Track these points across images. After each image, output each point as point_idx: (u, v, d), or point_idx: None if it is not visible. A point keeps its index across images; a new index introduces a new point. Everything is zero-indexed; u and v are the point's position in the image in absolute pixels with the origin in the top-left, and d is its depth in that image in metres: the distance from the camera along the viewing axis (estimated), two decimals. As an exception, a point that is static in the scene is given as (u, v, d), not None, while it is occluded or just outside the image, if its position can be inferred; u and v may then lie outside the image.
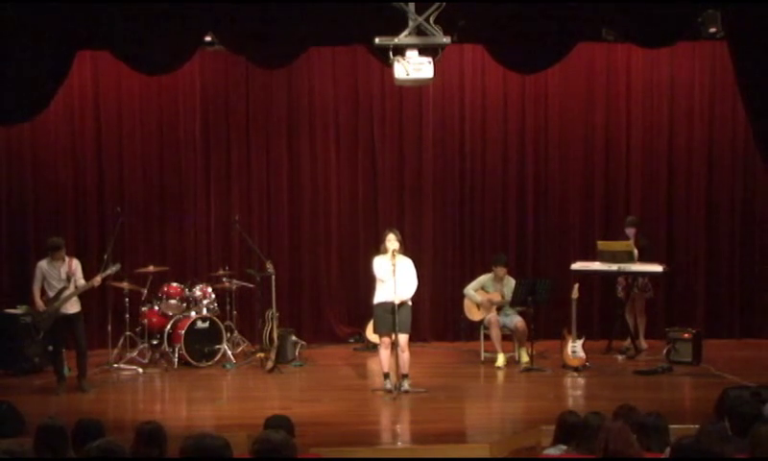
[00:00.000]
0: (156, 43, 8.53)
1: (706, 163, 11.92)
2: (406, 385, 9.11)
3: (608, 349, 10.95)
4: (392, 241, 9.01)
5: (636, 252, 10.59)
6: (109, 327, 10.44)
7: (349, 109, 11.93)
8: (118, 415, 8.71)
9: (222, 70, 11.67)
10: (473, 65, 11.82)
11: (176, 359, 10.40)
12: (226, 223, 11.72)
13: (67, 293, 9.33)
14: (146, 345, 10.59)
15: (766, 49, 8.49)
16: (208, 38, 9.60)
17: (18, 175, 11.53)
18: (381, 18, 8.55)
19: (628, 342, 10.92)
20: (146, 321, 10.59)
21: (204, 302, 10.71)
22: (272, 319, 10.44)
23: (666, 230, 11.98)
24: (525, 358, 10.31)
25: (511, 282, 10.50)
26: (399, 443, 8.02)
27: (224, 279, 10.99)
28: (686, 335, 10.31)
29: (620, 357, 10.73)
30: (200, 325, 10.46)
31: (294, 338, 10.85)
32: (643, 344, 10.99)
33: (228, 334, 10.76)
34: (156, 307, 10.64)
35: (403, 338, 9.06)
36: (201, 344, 10.45)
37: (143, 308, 10.64)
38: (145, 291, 10.68)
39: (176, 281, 10.84)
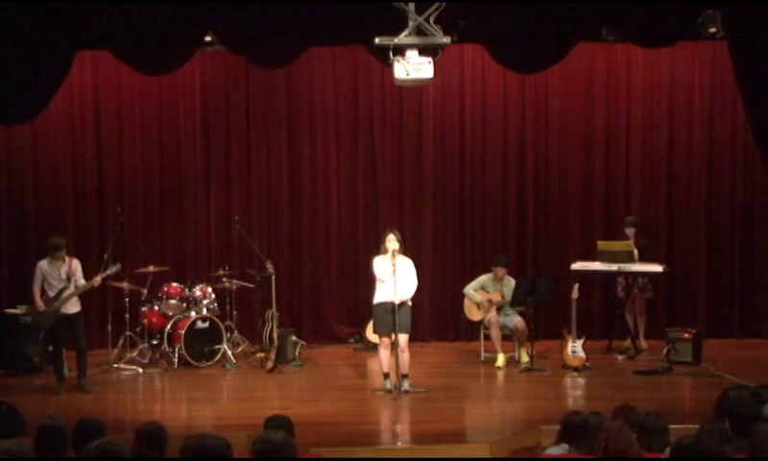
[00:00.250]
0: (156, 43, 8.53)
1: (706, 163, 11.92)
2: (406, 385, 9.11)
3: (608, 349, 10.94)
4: (392, 241, 9.01)
5: (635, 252, 10.59)
6: (109, 327, 10.44)
7: (349, 109, 11.93)
8: (118, 415, 8.71)
9: (222, 70, 11.67)
10: (473, 65, 11.82)
11: (176, 359, 10.39)
12: (226, 223, 11.72)
13: (67, 293, 9.33)
14: (146, 345, 10.59)
15: (766, 49, 8.48)
16: (208, 38, 9.61)
17: (18, 175, 11.53)
18: (381, 18, 8.55)
19: (628, 342, 10.92)
20: (146, 321, 10.59)
21: (204, 302, 10.71)
22: (272, 319, 10.44)
23: (666, 230, 11.98)
24: (525, 358, 10.31)
25: (511, 282, 10.50)
26: (399, 443, 8.02)
27: (224, 279, 10.99)
28: (686, 335, 10.31)
29: (620, 357, 10.72)
30: (200, 325, 10.46)
31: (294, 338, 10.85)
32: (643, 344, 10.99)
33: (228, 334, 10.76)
34: (156, 307, 10.64)
35: (403, 338, 9.06)
36: (201, 344, 10.45)
37: (143, 308, 10.64)
38: (145, 291, 10.68)
39: (176, 281, 10.84)
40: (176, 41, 8.72)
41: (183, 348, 10.29)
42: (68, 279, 9.35)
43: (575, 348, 10.03)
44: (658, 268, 10.49)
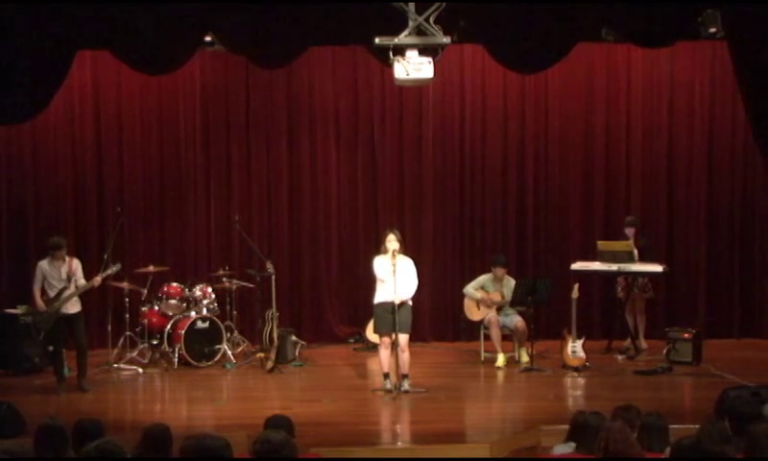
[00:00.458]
0: (156, 43, 8.53)
1: (706, 163, 11.92)
2: (406, 385, 9.11)
3: (608, 349, 10.95)
4: (392, 241, 9.01)
5: (635, 252, 10.59)
6: (109, 327, 10.45)
7: (349, 109, 11.93)
8: (118, 415, 8.72)
9: (222, 70, 11.67)
10: (473, 65, 11.81)
11: (176, 359, 10.39)
12: (226, 223, 11.72)
13: (68, 293, 9.33)
14: (146, 345, 10.59)
15: (766, 49, 8.48)
16: (208, 38, 9.61)
17: (18, 175, 11.53)
18: (381, 18, 8.55)
19: (628, 342, 10.92)
20: (146, 321, 10.59)
21: (204, 302, 10.70)
22: (272, 319, 10.43)
23: (666, 230, 11.98)
24: (525, 358, 10.31)
25: (510, 282, 10.50)
26: (399, 443, 8.02)
27: (224, 279, 10.99)
28: (686, 335, 10.31)
29: (620, 357, 10.72)
30: (200, 325, 10.45)
31: (294, 338, 10.85)
32: (643, 344, 10.99)
33: (228, 334, 10.76)
34: (156, 307, 10.64)
35: (403, 338, 9.06)
36: (201, 344, 10.45)
37: (143, 308, 10.64)
38: (145, 291, 10.68)
39: (176, 281, 10.84)
40: (176, 41, 8.72)
41: (183, 348, 10.29)
42: (68, 279, 9.35)
43: (575, 348, 10.03)
44: (658, 268, 10.49)
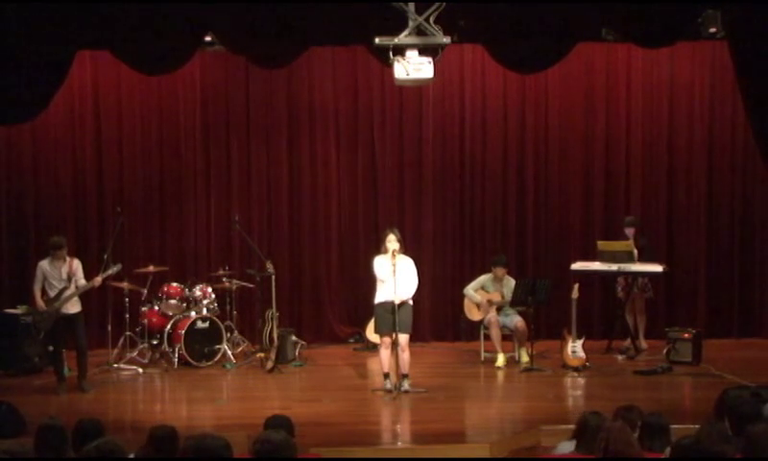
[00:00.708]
0: (156, 43, 8.53)
1: (706, 163, 11.92)
2: (406, 385, 9.11)
3: (608, 349, 10.95)
4: (392, 241, 9.01)
5: (635, 252, 10.59)
6: (109, 327, 10.45)
7: (349, 109, 11.93)
8: (118, 415, 8.72)
9: (222, 70, 11.67)
10: (473, 65, 11.82)
11: (176, 359, 10.40)
12: (226, 223, 11.72)
13: (68, 293, 9.33)
14: (146, 345, 10.59)
15: (766, 49, 8.48)
16: (208, 38, 9.61)
17: (18, 175, 11.53)
18: (381, 18, 8.54)
19: (628, 342, 10.92)
20: (146, 321, 10.59)
21: (204, 302, 10.71)
22: (272, 319, 10.44)
23: (666, 230, 11.98)
24: (525, 358, 10.31)
25: (510, 282, 10.50)
26: (399, 443, 8.02)
27: (224, 279, 10.99)
28: (686, 335, 10.32)
29: (620, 357, 10.73)
30: (200, 325, 10.46)
31: (294, 338, 10.85)
32: (643, 344, 10.99)
33: (228, 334, 10.76)
34: (156, 307, 10.64)
35: (404, 338, 9.06)
36: (201, 344, 10.45)
37: (143, 308, 10.64)
38: (145, 291, 10.68)
39: (176, 281, 10.84)
40: (176, 41, 8.72)
41: (183, 348, 10.29)
42: (69, 279, 9.35)
43: (575, 348, 10.04)
44: (658, 268, 10.49)
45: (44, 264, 9.40)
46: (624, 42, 10.76)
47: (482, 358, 10.59)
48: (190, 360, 10.33)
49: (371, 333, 10.51)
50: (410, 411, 8.73)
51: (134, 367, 10.31)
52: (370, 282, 9.59)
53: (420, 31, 8.48)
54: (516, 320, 10.47)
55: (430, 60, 8.54)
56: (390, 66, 8.62)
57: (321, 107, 11.88)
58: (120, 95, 11.56)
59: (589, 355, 10.13)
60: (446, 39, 8.51)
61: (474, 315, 10.63)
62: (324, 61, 11.69)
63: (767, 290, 11.91)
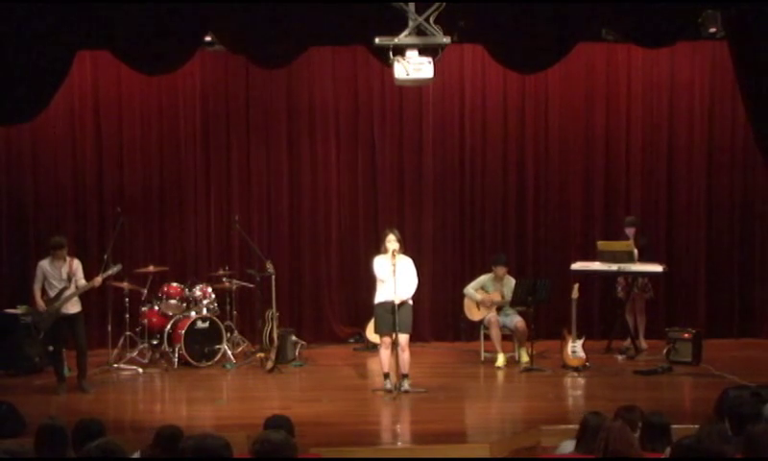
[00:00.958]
0: (156, 43, 8.53)
1: (706, 163, 11.92)
2: (406, 385, 9.11)
3: (608, 349, 10.95)
4: (392, 241, 9.01)
5: (635, 252, 10.59)
6: (109, 327, 10.44)
7: (349, 109, 11.93)
8: (118, 415, 8.72)
9: (222, 70, 11.67)
10: (473, 65, 11.82)
11: (176, 359, 10.39)
12: (226, 223, 11.72)
13: (68, 293, 9.33)
14: (146, 345, 10.59)
15: (766, 49, 8.48)
16: (208, 38, 9.61)
17: (18, 175, 11.53)
18: (381, 18, 8.54)
19: (628, 342, 10.92)
20: (146, 321, 10.59)
21: (204, 302, 10.71)
22: (272, 319, 10.44)
23: (666, 230, 11.98)
24: (525, 358, 10.31)
25: (511, 282, 10.50)
26: (399, 443, 8.02)
27: (224, 279, 10.99)
28: (686, 335, 10.32)
29: (620, 357, 10.72)
30: (200, 325, 10.46)
31: (294, 338, 10.85)
32: (643, 344, 10.99)
33: (228, 334, 10.76)
34: (156, 307, 10.64)
35: (404, 338, 9.06)
36: (201, 344, 10.45)
37: (143, 308, 10.64)
38: (145, 291, 10.68)
39: (176, 281, 10.84)
40: (176, 41, 8.71)
41: (183, 348, 10.29)
42: (69, 279, 9.35)
43: (575, 348, 10.04)
44: (658, 268, 10.49)
45: (44, 264, 9.40)
46: (624, 42, 10.75)
47: (482, 358, 10.59)
48: (190, 360, 10.33)
49: (371, 333, 10.51)
50: (410, 411, 8.73)
51: (134, 367, 10.31)
52: (370, 282, 9.59)
53: (420, 31, 8.48)
54: (516, 320, 10.47)
55: (430, 60, 8.54)
56: (390, 66, 8.63)
57: (321, 107, 11.88)
58: (120, 95, 11.56)
59: (589, 355, 10.13)
60: (446, 39, 8.51)
61: (474, 315, 10.63)
62: (324, 61, 11.69)
63: (767, 290, 11.90)
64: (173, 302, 10.63)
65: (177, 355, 10.39)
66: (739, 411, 5.46)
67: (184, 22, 8.52)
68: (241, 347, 11.05)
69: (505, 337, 10.51)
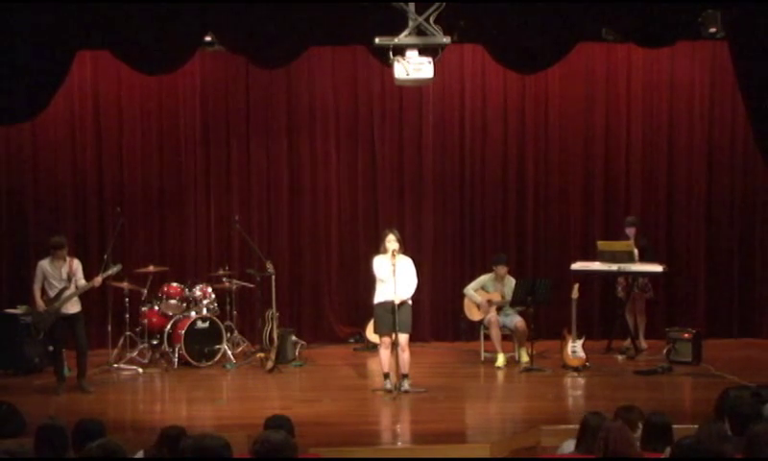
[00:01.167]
0: (156, 43, 8.54)
1: (706, 163, 11.92)
2: (406, 385, 9.10)
3: (608, 349, 10.95)
4: (391, 241, 9.01)
5: (636, 252, 10.59)
6: (109, 327, 10.45)
7: (349, 109, 11.93)
8: (118, 415, 8.71)
9: (222, 70, 11.67)
10: (473, 65, 11.82)
11: (176, 359, 10.39)
12: (226, 223, 11.72)
13: (68, 293, 9.32)
14: (146, 345, 10.59)
15: (766, 49, 8.49)
16: (208, 38, 9.62)
17: (18, 175, 11.54)
18: (381, 18, 8.55)
19: (628, 342, 10.92)
20: (146, 321, 10.59)
21: (204, 302, 10.70)
22: (272, 319, 10.44)
23: (666, 230, 11.98)
24: (525, 358, 10.31)
25: (511, 282, 10.50)
26: (399, 443, 8.01)
27: (224, 279, 10.99)
28: (686, 335, 10.32)
29: (620, 357, 10.72)
30: (200, 325, 10.45)
31: (294, 338, 10.85)
32: (643, 344, 10.99)
33: (228, 334, 10.75)
34: (156, 307, 10.64)
35: (404, 338, 9.06)
36: (201, 344, 10.44)
37: (143, 308, 10.64)
38: (145, 291, 10.68)
39: (176, 281, 10.84)
40: (176, 41, 8.73)
41: (183, 348, 10.29)
42: (69, 279, 9.35)
43: (575, 348, 10.04)
44: (658, 268, 10.48)
45: (44, 264, 9.39)
46: (624, 42, 10.75)
47: (482, 358, 10.59)
48: (190, 360, 10.33)
49: (371, 333, 10.51)
50: (410, 411, 8.72)
51: (134, 367, 10.31)
52: (370, 282, 9.59)
53: (420, 31, 8.49)
54: (516, 320, 10.47)
55: (430, 60, 8.55)
56: (390, 66, 8.63)
57: (321, 107, 11.88)
58: (120, 95, 11.56)
59: (589, 355, 10.13)
60: (446, 39, 8.52)
61: (474, 315, 10.63)
62: (323, 61, 11.69)
63: (767, 290, 11.90)
64: (173, 302, 10.63)
65: (177, 355, 10.39)
66: (739, 411, 5.46)
67: (184, 22, 8.53)
68: (241, 347, 11.05)
69: (505, 337, 10.50)
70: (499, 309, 10.51)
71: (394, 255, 8.98)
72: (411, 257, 9.33)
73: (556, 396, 9.25)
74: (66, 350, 9.60)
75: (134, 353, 10.54)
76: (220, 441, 4.42)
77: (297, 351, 10.83)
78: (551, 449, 6.83)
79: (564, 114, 11.93)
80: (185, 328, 10.30)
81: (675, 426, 5.49)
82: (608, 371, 10.13)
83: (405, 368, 9.12)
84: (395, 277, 8.94)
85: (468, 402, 9.28)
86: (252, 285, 11.09)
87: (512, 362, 10.38)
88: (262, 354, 10.43)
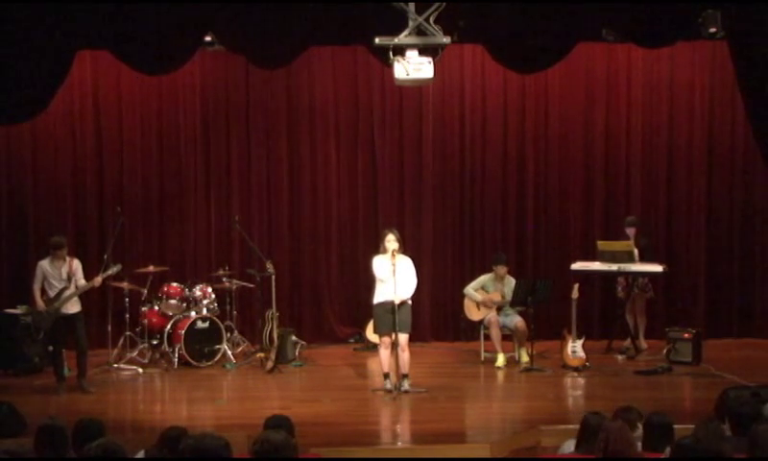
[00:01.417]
0: (156, 43, 8.54)
1: (706, 163, 11.92)
2: (406, 385, 9.10)
3: (608, 349, 10.95)
4: (391, 241, 9.01)
5: (636, 252, 10.59)
6: (109, 327, 10.44)
7: (349, 109, 11.93)
8: (118, 415, 8.71)
9: (222, 70, 11.67)
10: (473, 65, 11.82)
11: (176, 359, 10.39)
12: (226, 223, 11.72)
13: (68, 293, 9.32)
14: (146, 345, 10.59)
15: (766, 49, 8.48)
16: (208, 38, 9.61)
17: (18, 175, 11.53)
18: (381, 18, 8.55)
19: (628, 342, 10.92)
20: (146, 321, 10.59)
21: (204, 302, 10.70)
22: (272, 319, 10.44)
23: (666, 229, 11.99)
24: (525, 358, 10.31)
25: (511, 282, 10.50)
26: (399, 443, 8.02)
27: (224, 279, 10.99)
28: (686, 335, 10.32)
29: (620, 357, 10.73)
30: (200, 325, 10.45)
31: (294, 338, 10.85)
32: (643, 344, 10.99)
33: (228, 334, 10.76)
34: (156, 307, 10.64)
35: (403, 338, 9.06)
36: (201, 344, 10.45)
37: (143, 308, 10.64)
38: (145, 291, 10.68)
39: (176, 281, 10.84)
40: (176, 41, 8.73)
41: (183, 348, 10.29)
42: (69, 278, 9.35)
43: (575, 348, 10.04)
44: (658, 268, 10.48)
45: (44, 264, 9.40)
46: (624, 42, 10.74)
47: (482, 358, 10.59)
48: (190, 360, 10.33)
49: (371, 333, 10.51)
50: (410, 411, 8.72)
51: (134, 367, 10.31)
52: (370, 282, 9.59)
53: (420, 31, 8.49)
54: (516, 320, 10.47)
55: (430, 60, 8.55)
56: (390, 66, 8.63)
57: (321, 107, 11.88)
58: (120, 95, 11.56)
59: (589, 355, 10.13)
60: (446, 39, 8.52)
61: (474, 315, 10.63)
62: (323, 61, 11.69)
63: (767, 290, 11.90)
64: (173, 302, 10.63)
65: (177, 355, 10.39)
66: (739, 411, 5.46)
67: (184, 22, 8.53)
68: (241, 347, 11.05)
69: (505, 337, 10.50)
70: (499, 309, 10.52)
71: (393, 255, 8.98)
72: (411, 257, 9.33)
73: (556, 396, 9.25)
74: (66, 350, 9.61)
75: (134, 353, 10.54)
76: (220, 441, 4.41)
77: (297, 351, 10.83)
78: (551, 449, 6.84)
79: (564, 114, 11.93)
80: (185, 328, 10.30)
81: (675, 426, 5.49)
82: (608, 371, 10.13)
83: (405, 368, 9.12)
84: (394, 277, 8.94)
85: (468, 402, 9.29)
86: (252, 285, 11.09)
87: (512, 362, 10.38)
88: (262, 354, 10.43)
